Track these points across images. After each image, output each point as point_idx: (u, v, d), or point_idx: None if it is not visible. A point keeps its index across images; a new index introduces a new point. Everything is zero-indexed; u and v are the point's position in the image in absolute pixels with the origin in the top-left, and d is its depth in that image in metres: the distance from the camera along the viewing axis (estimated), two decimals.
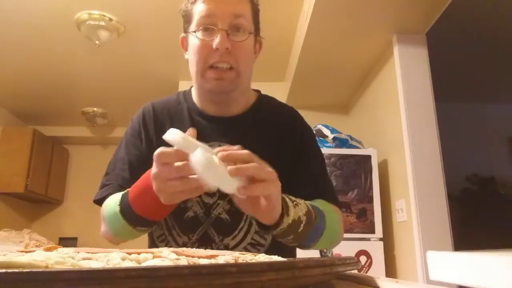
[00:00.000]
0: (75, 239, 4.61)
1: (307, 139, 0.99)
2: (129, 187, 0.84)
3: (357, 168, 2.53)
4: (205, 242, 0.86)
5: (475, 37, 3.01)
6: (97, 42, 2.76)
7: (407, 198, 2.26)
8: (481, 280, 0.64)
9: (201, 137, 0.88)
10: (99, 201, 0.88)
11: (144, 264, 0.34)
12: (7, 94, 3.94)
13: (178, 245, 0.88)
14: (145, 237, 0.95)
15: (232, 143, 0.87)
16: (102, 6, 2.61)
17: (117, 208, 0.77)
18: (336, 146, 2.69)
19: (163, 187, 0.63)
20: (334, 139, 2.73)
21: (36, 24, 2.76)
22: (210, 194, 0.87)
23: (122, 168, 0.91)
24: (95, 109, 4.29)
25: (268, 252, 0.85)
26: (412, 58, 2.42)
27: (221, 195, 0.86)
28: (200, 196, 0.86)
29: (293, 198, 0.75)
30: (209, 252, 0.44)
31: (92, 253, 0.37)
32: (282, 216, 0.69)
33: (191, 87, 0.98)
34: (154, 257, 0.36)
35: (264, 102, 1.00)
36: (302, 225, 0.73)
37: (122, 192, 0.79)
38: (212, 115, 0.92)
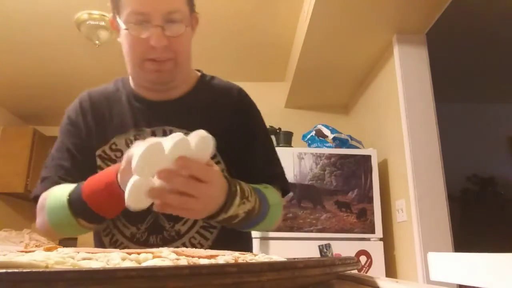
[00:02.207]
0: (75, 239, 4.59)
1: (251, 118, 0.96)
2: (70, 177, 0.83)
3: (357, 168, 2.53)
4: (155, 231, 0.85)
5: (475, 37, 3.01)
6: (97, 42, 2.76)
7: (407, 198, 2.26)
8: (481, 280, 0.64)
9: (144, 123, 0.88)
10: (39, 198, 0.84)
11: (144, 264, 0.34)
12: (7, 94, 3.94)
13: (126, 237, 0.86)
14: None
15: (176, 125, 0.87)
16: (102, 6, 2.61)
17: (65, 198, 0.75)
18: (336, 146, 2.69)
19: (170, 197, 0.62)
20: (334, 139, 2.73)
21: (36, 24, 2.76)
22: None
23: (61, 157, 0.88)
24: None
25: (221, 233, 0.86)
26: (412, 58, 2.42)
27: None
28: None
29: (246, 193, 0.74)
30: (209, 252, 0.44)
31: (92, 253, 0.37)
32: (220, 210, 0.69)
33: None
34: (154, 257, 0.36)
35: (205, 83, 0.96)
36: (237, 219, 0.73)
37: (74, 184, 0.76)
38: (152, 100, 0.90)
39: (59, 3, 2.55)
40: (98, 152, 0.87)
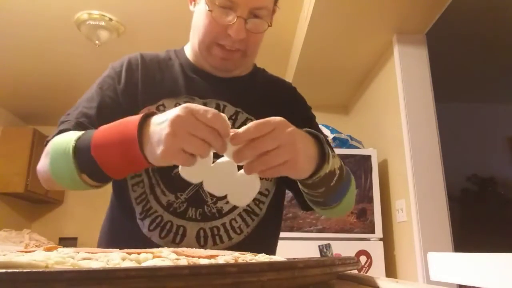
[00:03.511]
0: (75, 239, 4.60)
1: (307, 110, 1.00)
2: (91, 126, 0.74)
3: (357, 168, 2.53)
4: (195, 203, 0.79)
5: (475, 37, 3.01)
6: (97, 42, 2.76)
7: (407, 198, 2.26)
8: (481, 280, 0.64)
9: (197, 93, 0.85)
10: None
11: (144, 264, 0.34)
12: (7, 94, 3.94)
13: (161, 205, 0.79)
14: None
15: (230, 102, 0.86)
16: (102, 6, 2.61)
17: (71, 144, 0.64)
18: (336, 146, 2.69)
19: (177, 140, 0.53)
20: (334, 139, 2.73)
21: (36, 24, 2.76)
22: None
23: (88, 106, 0.80)
24: None
25: (262, 222, 0.84)
26: (412, 58, 2.42)
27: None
28: None
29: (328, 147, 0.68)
30: (209, 252, 0.44)
31: (92, 253, 0.37)
32: (321, 164, 0.64)
33: (183, 46, 0.94)
34: (154, 257, 0.36)
35: (261, 71, 1.01)
36: (335, 179, 0.69)
37: (85, 131, 0.67)
38: (209, 73, 0.88)
39: (59, 3, 2.55)
40: (143, 110, 0.81)
